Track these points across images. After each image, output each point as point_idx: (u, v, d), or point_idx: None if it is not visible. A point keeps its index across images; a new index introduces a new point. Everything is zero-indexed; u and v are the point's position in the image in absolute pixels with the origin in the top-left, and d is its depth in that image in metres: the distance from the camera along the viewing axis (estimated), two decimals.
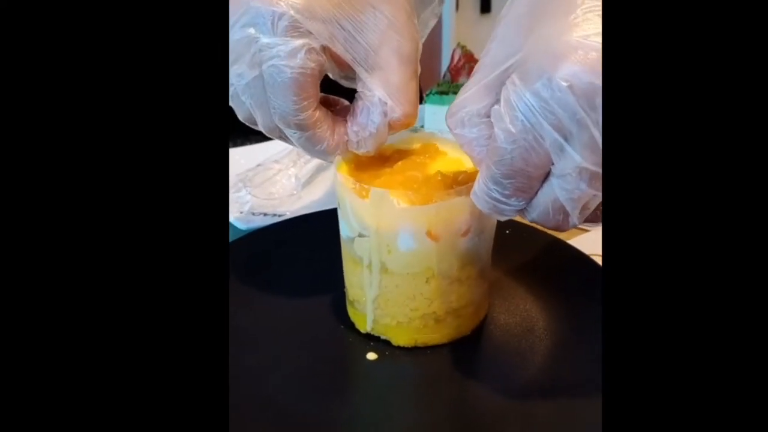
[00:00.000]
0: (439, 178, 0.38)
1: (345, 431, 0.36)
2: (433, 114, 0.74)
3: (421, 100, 0.76)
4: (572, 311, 0.43)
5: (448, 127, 0.33)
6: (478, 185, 0.32)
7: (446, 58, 0.79)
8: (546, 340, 0.41)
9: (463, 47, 0.76)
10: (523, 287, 0.46)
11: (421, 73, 0.39)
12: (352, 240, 0.40)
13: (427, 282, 0.39)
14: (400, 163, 0.40)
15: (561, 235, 0.54)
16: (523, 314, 0.44)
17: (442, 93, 0.74)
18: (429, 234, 0.37)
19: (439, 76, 0.79)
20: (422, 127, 0.77)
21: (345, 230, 0.41)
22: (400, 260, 0.38)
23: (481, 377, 0.39)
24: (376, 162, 0.41)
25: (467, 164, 0.40)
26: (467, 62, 0.75)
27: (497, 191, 0.31)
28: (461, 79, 0.76)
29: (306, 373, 0.39)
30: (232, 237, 0.54)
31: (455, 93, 0.73)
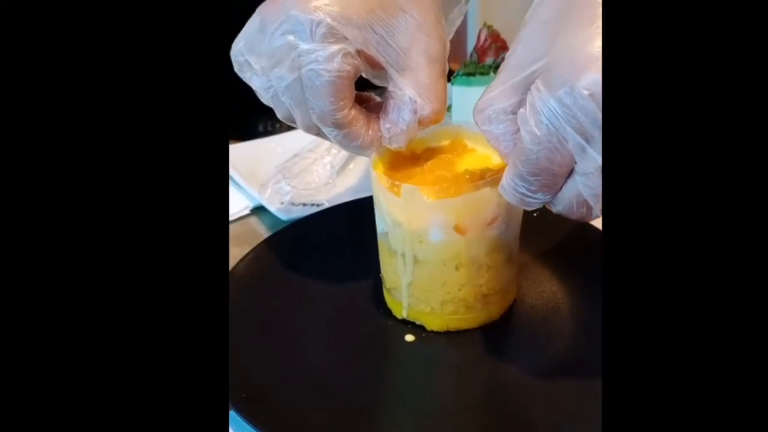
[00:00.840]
0: (467, 176, 0.40)
1: (385, 407, 0.40)
2: (460, 95, 0.75)
3: (449, 80, 0.78)
4: (598, 293, 0.45)
5: (476, 122, 0.36)
6: (506, 180, 0.34)
7: (472, 38, 0.80)
8: (572, 322, 0.44)
9: (489, 27, 0.77)
10: (550, 271, 0.49)
11: (448, 54, 0.41)
12: (387, 233, 0.43)
13: (456, 269, 0.42)
14: (430, 162, 0.43)
15: None
16: (550, 298, 0.46)
17: (468, 74, 0.75)
18: (457, 228, 0.40)
19: (465, 56, 0.80)
20: (450, 107, 0.79)
21: (380, 225, 0.44)
22: (431, 250, 0.42)
23: (510, 359, 0.42)
24: (407, 162, 0.44)
25: (494, 161, 0.43)
26: (493, 42, 0.76)
27: (524, 187, 0.33)
28: (487, 60, 0.77)
29: (349, 353, 0.43)
30: (274, 228, 0.58)
31: (482, 74, 0.75)
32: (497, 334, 0.44)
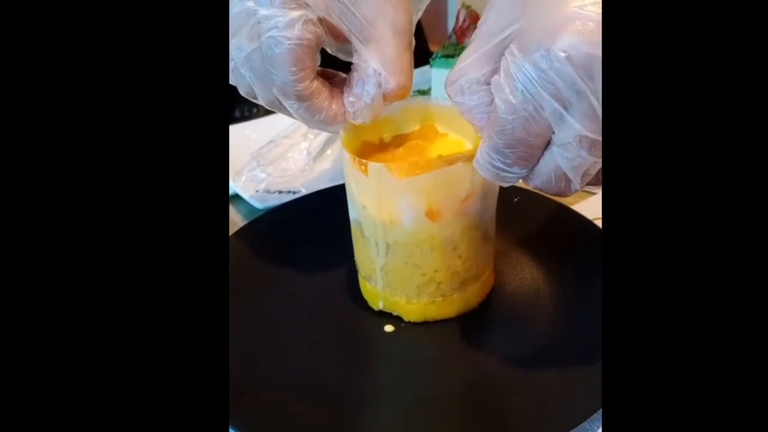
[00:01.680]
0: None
1: (366, 401, 0.39)
2: (439, 77, 0.74)
3: (429, 63, 0.77)
4: (578, 279, 0.45)
5: (448, 95, 0.34)
6: (481, 154, 0.33)
7: (453, 19, 0.78)
8: (551, 309, 0.43)
9: (468, 7, 0.75)
10: (529, 257, 0.48)
11: (428, 35, 0.39)
12: (359, 219, 0.42)
13: (431, 251, 0.41)
14: (401, 149, 0.42)
15: (565, 200, 0.56)
16: (530, 284, 0.46)
17: (448, 56, 0.73)
18: (429, 212, 0.39)
19: (445, 37, 0.78)
20: (429, 89, 0.77)
21: (352, 211, 0.43)
22: (403, 233, 0.40)
23: (489, 348, 0.41)
24: (376, 150, 0.42)
25: (467, 146, 0.42)
26: (472, 23, 0.74)
27: (500, 160, 0.32)
28: (467, 41, 0.75)
29: (326, 345, 0.42)
30: (249, 216, 0.56)
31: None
32: (476, 323, 0.43)
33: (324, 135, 0.68)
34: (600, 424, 0.36)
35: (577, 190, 0.33)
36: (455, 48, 0.75)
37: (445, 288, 0.42)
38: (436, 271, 0.42)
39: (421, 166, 0.38)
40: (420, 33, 0.91)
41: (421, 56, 0.77)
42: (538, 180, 0.33)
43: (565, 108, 0.29)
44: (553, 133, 0.30)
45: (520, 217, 0.52)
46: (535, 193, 0.57)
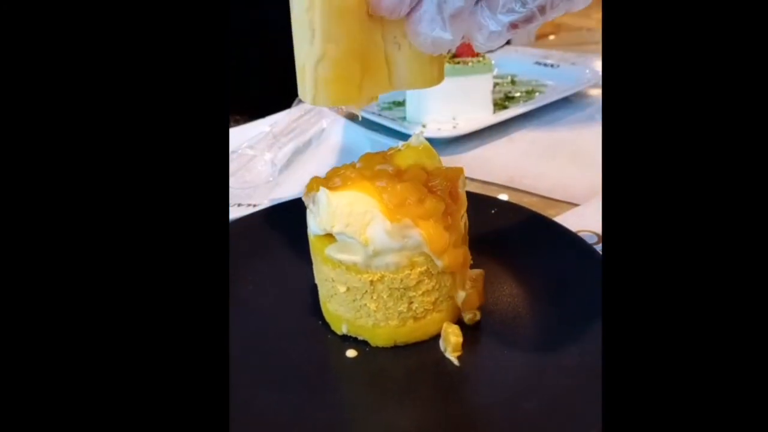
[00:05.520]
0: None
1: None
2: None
3: None
4: (559, 295, 0.41)
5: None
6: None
7: None
8: (535, 329, 0.39)
9: None
10: (508, 271, 0.44)
11: None
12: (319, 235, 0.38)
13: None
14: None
15: (548, 212, 0.52)
16: (509, 301, 0.42)
17: None
18: None
19: None
20: (404, 100, 0.74)
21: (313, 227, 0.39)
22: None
23: (466, 375, 0.37)
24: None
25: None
26: None
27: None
28: None
29: (284, 373, 0.37)
30: None
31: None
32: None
33: (291, 146, 0.64)
34: None
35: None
36: None
37: (417, 308, 0.38)
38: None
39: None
40: None
41: None
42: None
43: None
44: None
45: (498, 230, 0.48)
46: (513, 204, 0.54)
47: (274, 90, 0.68)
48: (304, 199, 0.39)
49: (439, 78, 0.36)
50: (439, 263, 0.37)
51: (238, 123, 0.72)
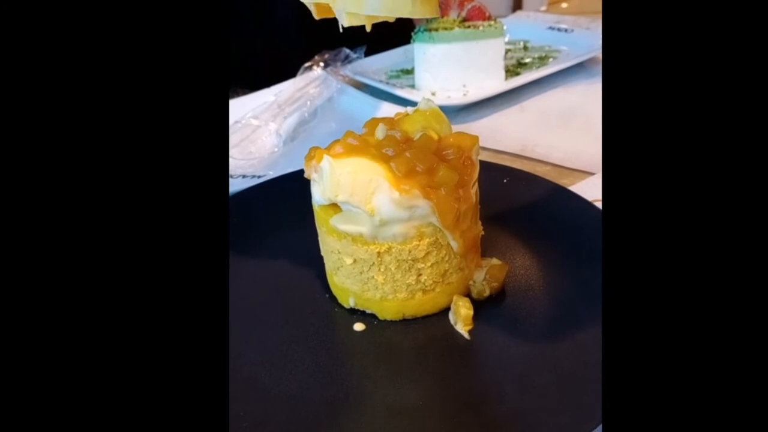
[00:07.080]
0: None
1: (334, 409, 0.33)
2: (423, 53, 0.68)
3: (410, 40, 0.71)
4: (575, 267, 0.40)
5: None
6: None
7: None
8: (549, 301, 0.38)
9: None
10: (521, 242, 0.43)
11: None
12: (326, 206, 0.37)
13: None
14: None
15: (563, 181, 0.50)
16: (522, 273, 0.40)
17: (431, 29, 0.68)
18: None
19: None
20: (413, 69, 0.72)
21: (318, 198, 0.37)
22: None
23: (476, 349, 0.36)
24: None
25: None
26: None
27: None
28: (451, 13, 0.69)
29: (291, 348, 0.36)
30: None
31: (446, 29, 0.68)
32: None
33: (296, 116, 0.63)
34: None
35: None
36: (439, 21, 0.69)
37: (426, 280, 0.37)
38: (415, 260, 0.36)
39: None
40: None
41: (406, 33, 0.72)
42: None
43: None
44: None
45: (511, 199, 0.46)
46: (526, 173, 0.52)
47: (276, 62, 0.66)
48: (305, 169, 0.38)
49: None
50: (455, 245, 0.35)
51: (242, 93, 0.70)
